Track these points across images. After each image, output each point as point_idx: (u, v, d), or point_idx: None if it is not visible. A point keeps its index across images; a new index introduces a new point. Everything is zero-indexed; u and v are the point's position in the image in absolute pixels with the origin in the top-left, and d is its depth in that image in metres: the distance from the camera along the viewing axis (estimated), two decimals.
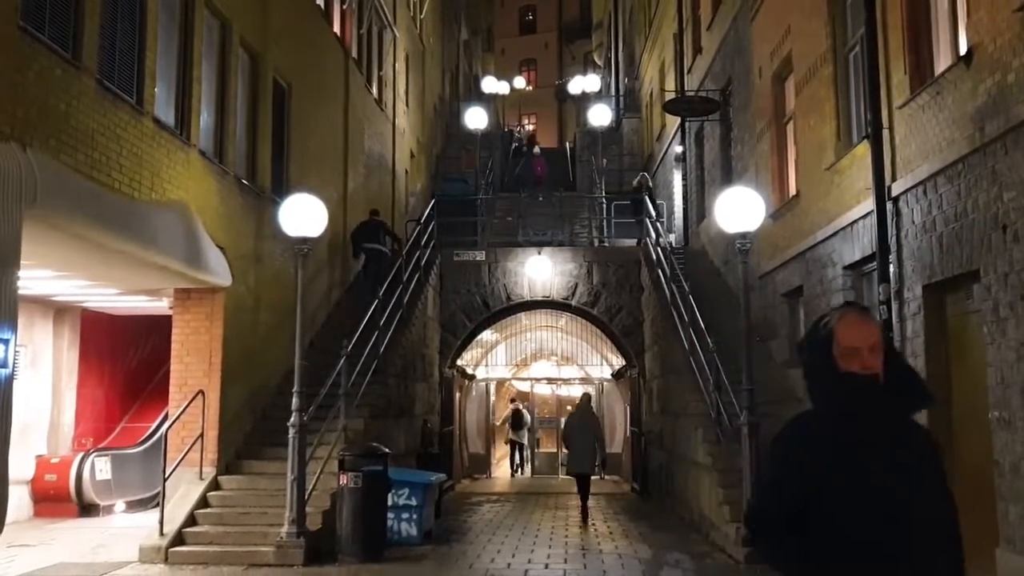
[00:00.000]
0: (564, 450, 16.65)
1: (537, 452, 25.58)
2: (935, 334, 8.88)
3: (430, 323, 17.78)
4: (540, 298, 18.94)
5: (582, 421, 15.11)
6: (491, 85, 37.53)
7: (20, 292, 7.82)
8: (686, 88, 20.88)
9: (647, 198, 19.50)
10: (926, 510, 2.53)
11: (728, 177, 16.94)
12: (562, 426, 17.76)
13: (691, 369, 13.06)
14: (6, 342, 7.42)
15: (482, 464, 24.66)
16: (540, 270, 18.61)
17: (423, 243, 17.95)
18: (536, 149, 26.53)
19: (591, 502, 14.94)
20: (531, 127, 36.35)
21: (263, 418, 12.79)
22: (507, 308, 19.18)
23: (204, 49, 11.65)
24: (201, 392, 11.32)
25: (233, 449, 11.98)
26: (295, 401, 10.21)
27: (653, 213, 18.72)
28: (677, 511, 14.13)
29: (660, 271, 16.32)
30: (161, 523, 10.25)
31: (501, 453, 27.57)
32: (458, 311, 18.83)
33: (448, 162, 31.20)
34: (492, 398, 26.98)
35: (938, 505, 2.58)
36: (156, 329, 14.28)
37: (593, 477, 15.69)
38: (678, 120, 21.13)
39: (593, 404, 19.39)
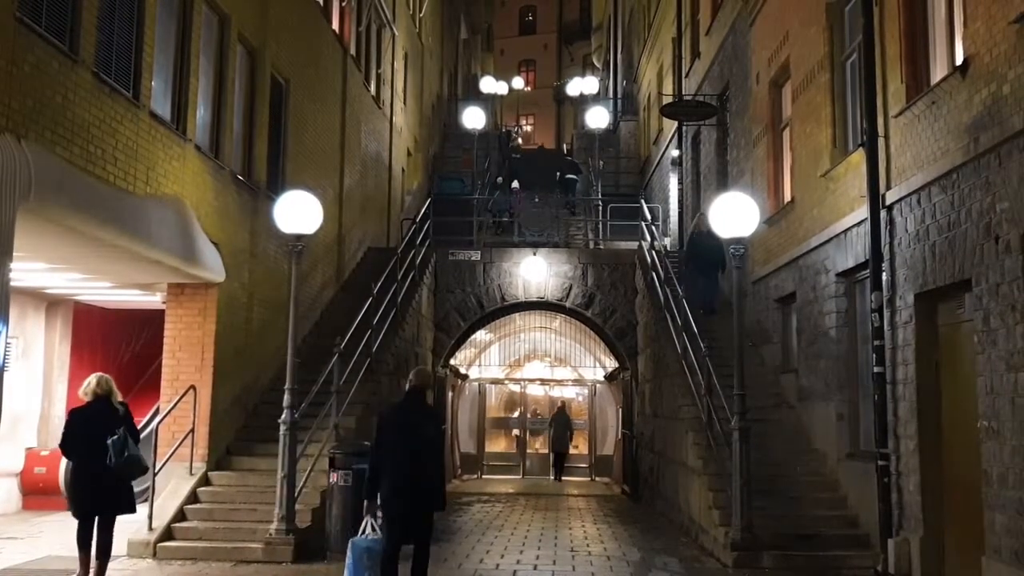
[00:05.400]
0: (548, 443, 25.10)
1: (528, 453, 25.60)
2: (926, 343, 8.90)
3: (424, 322, 17.78)
4: (535, 299, 18.96)
5: (560, 419, 24.53)
6: (490, 85, 37.56)
7: (12, 284, 7.81)
8: (684, 92, 20.91)
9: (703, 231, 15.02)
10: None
11: (724, 182, 16.96)
12: (550, 422, 25.25)
13: (683, 372, 13.08)
14: None
15: (474, 464, 24.67)
16: (535, 271, 18.61)
17: (418, 242, 17.95)
18: (515, 184, 25.96)
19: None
20: (521, 135, 33.39)
21: (254, 415, 12.78)
22: (501, 308, 19.19)
23: (202, 44, 11.62)
24: (193, 387, 11.30)
25: (224, 445, 11.97)
26: (287, 398, 10.20)
27: (648, 216, 18.73)
28: (667, 514, 14.15)
29: (654, 274, 16.34)
30: (150, 518, 10.24)
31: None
32: (452, 311, 18.83)
33: (445, 161, 31.22)
34: (491, 400, 27.13)
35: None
36: (149, 324, 14.24)
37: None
38: (675, 124, 21.15)
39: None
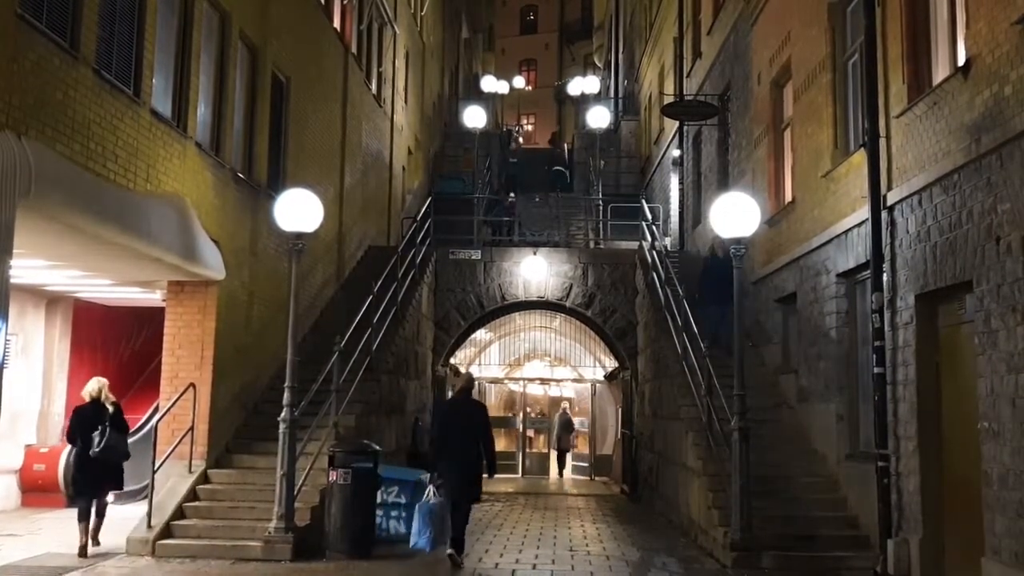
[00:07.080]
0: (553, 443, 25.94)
1: (528, 452, 25.58)
2: (927, 344, 8.90)
3: (424, 321, 17.78)
4: (535, 298, 18.96)
5: (563, 420, 25.29)
6: (490, 84, 37.55)
7: (12, 281, 7.80)
8: (685, 92, 20.90)
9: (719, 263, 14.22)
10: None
11: (725, 182, 16.96)
12: (553, 424, 26.11)
13: (683, 373, 13.06)
14: None
15: None
16: (535, 270, 18.61)
17: (419, 241, 17.94)
18: (511, 196, 25.81)
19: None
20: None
21: (254, 413, 12.77)
22: (502, 308, 19.19)
23: (203, 41, 11.61)
24: (192, 385, 11.29)
25: (223, 443, 11.96)
26: (286, 396, 10.19)
27: (649, 216, 18.72)
28: (666, 514, 14.15)
29: (655, 274, 16.33)
30: (149, 515, 10.23)
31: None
32: (452, 310, 18.83)
33: (446, 160, 31.21)
34: (490, 399, 27.10)
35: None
36: (148, 321, 14.25)
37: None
38: (676, 124, 21.14)
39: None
